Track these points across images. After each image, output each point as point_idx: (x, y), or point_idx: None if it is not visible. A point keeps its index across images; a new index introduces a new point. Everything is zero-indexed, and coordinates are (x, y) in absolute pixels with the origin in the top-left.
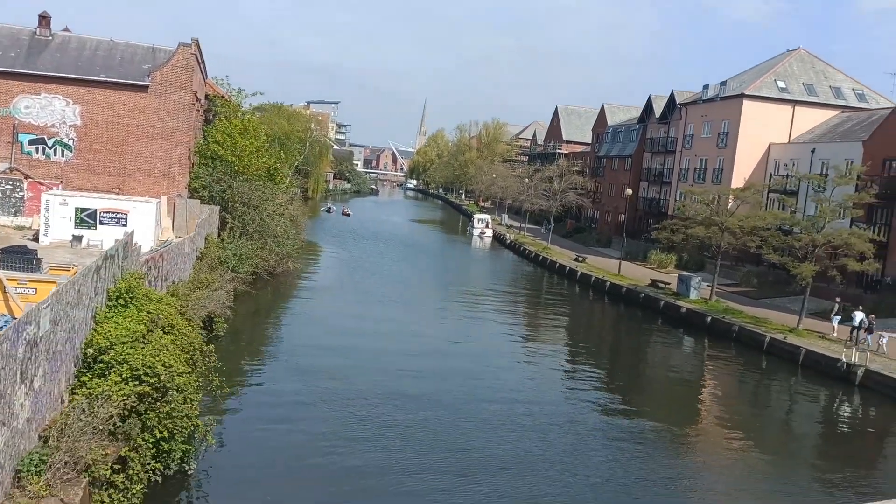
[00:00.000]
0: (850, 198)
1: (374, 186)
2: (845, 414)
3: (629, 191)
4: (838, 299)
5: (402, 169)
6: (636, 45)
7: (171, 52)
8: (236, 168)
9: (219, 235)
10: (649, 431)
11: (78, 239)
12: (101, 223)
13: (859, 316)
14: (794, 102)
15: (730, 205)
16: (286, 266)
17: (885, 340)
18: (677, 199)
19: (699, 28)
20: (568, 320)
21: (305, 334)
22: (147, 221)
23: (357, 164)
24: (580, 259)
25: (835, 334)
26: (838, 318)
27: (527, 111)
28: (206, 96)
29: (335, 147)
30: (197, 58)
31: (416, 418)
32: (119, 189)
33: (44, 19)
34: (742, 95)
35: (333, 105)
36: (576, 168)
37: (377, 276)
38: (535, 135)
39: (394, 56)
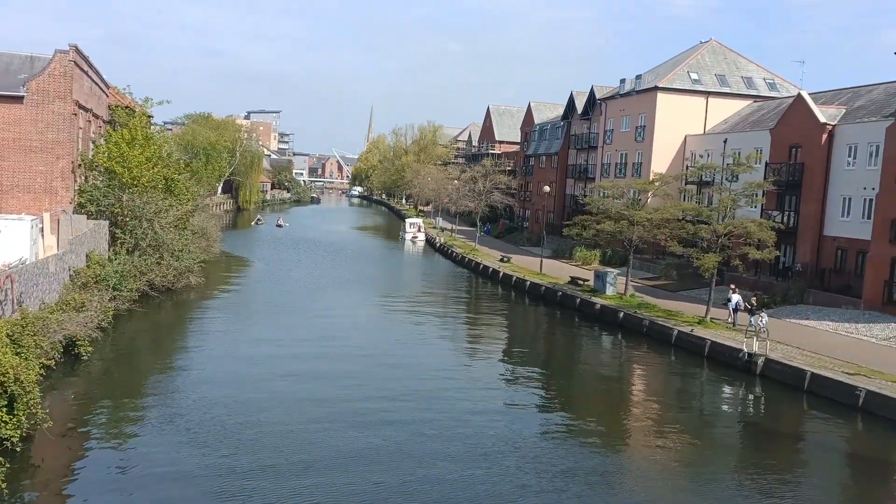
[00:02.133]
0: (749, 186)
1: (314, 195)
2: (746, 405)
3: (547, 188)
4: (732, 286)
5: (348, 176)
6: (579, 43)
7: (49, 59)
8: (125, 180)
9: (109, 251)
10: (556, 430)
11: None
12: None
13: (735, 298)
14: (707, 93)
15: (648, 198)
16: (186, 281)
17: (763, 322)
18: (586, 194)
19: (639, 23)
20: (483, 322)
21: (193, 355)
22: (20, 241)
23: (302, 173)
24: (505, 259)
25: (730, 320)
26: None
27: (471, 113)
28: (109, 107)
29: (273, 156)
30: (80, 65)
31: (334, 435)
32: None
33: None
34: (656, 88)
35: (275, 114)
36: (508, 167)
37: (290, 286)
38: (470, 136)
39: (339, 63)
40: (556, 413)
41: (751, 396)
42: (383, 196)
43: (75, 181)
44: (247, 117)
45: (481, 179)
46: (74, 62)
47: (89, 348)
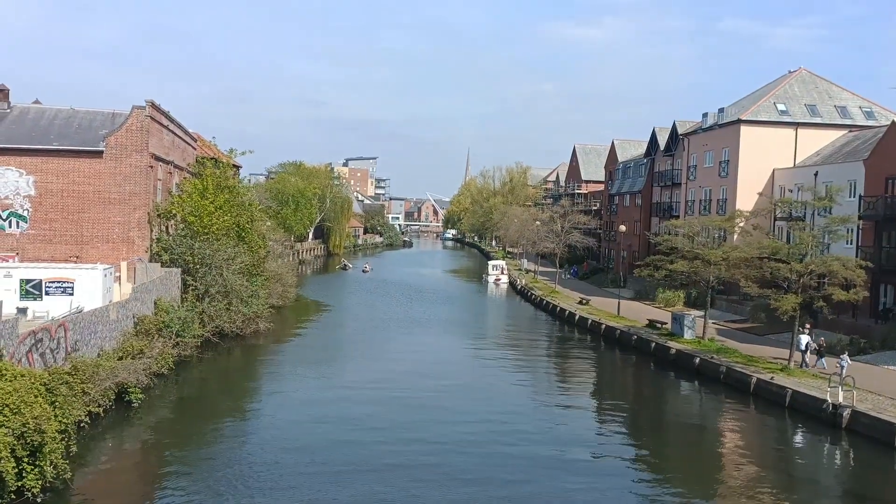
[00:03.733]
0: (833, 221)
1: (407, 238)
2: (830, 463)
3: (623, 227)
4: (808, 327)
5: (443, 220)
6: (675, 79)
7: (127, 115)
8: (196, 229)
9: (182, 299)
10: (626, 485)
11: (23, 311)
12: (46, 293)
13: (805, 339)
14: (797, 125)
15: (735, 236)
16: (255, 327)
17: (844, 364)
18: (657, 233)
19: (740, 57)
20: (553, 368)
21: (249, 402)
22: (93, 289)
23: (399, 217)
24: (584, 302)
25: (804, 365)
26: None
27: (563, 153)
28: (197, 159)
29: (366, 201)
30: (158, 120)
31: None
32: (77, 257)
33: (0, 92)
34: (739, 121)
35: (371, 160)
36: (594, 207)
37: (361, 330)
38: (557, 176)
39: (435, 108)
40: (624, 467)
41: (837, 453)
42: (475, 238)
43: (152, 231)
44: (345, 164)
45: (560, 220)
46: (151, 117)
47: (140, 395)
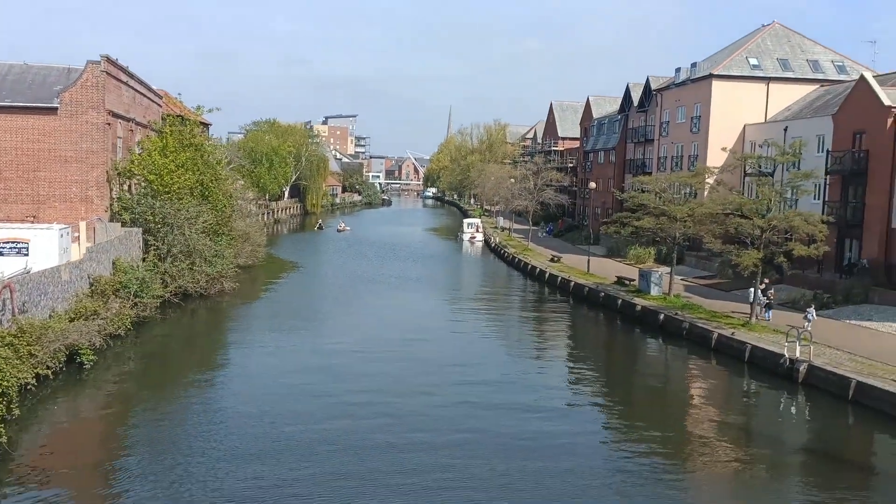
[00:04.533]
0: (796, 176)
1: (386, 197)
2: (786, 417)
3: (592, 184)
4: (766, 281)
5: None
6: (660, 38)
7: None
8: (157, 188)
9: (143, 259)
10: (584, 434)
11: None
12: (0, 254)
13: (753, 292)
14: (769, 79)
15: (705, 193)
16: (220, 286)
17: (811, 319)
18: (625, 189)
19: (724, 14)
20: (520, 325)
21: (205, 363)
22: (50, 249)
23: (379, 176)
24: (555, 259)
25: (754, 320)
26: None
27: (543, 111)
28: (163, 116)
29: (345, 159)
30: (116, 75)
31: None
32: (34, 217)
33: None
34: (711, 76)
35: (351, 119)
36: (570, 164)
37: (330, 289)
38: (535, 134)
39: (419, 66)
40: (590, 420)
41: (792, 407)
42: (454, 197)
43: (111, 190)
44: (325, 122)
45: (533, 177)
46: (107, 72)
47: (92, 357)
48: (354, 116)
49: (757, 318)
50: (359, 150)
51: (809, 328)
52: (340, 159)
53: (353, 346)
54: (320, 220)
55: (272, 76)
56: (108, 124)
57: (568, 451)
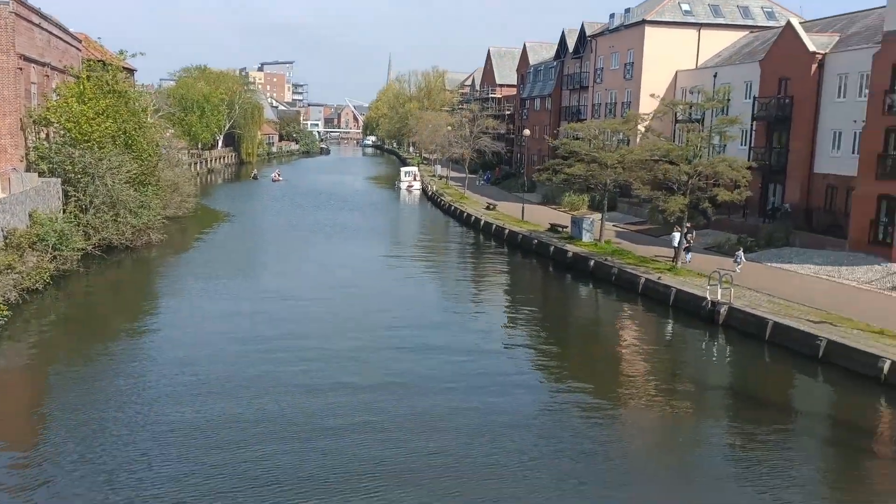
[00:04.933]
0: (721, 122)
1: (324, 146)
2: (707, 358)
3: (527, 132)
4: (689, 225)
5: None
6: None
7: None
8: (75, 136)
9: (63, 210)
10: (514, 378)
11: None
12: None
13: (677, 236)
14: (700, 25)
15: (638, 139)
16: (147, 238)
17: (741, 262)
18: (556, 137)
19: None
20: (451, 273)
21: (127, 317)
22: None
23: (318, 124)
24: (491, 207)
25: (679, 264)
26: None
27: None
28: (84, 61)
29: (281, 107)
30: (27, 17)
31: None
32: None
33: None
34: (644, 22)
35: (288, 65)
36: (508, 111)
37: (261, 240)
38: (473, 81)
39: (360, 10)
40: (512, 359)
41: (713, 348)
42: (394, 145)
43: (26, 138)
44: (260, 69)
45: (468, 124)
46: (16, 13)
47: (7, 312)
48: (291, 63)
49: (682, 262)
50: (296, 97)
51: (739, 270)
52: (277, 107)
53: (285, 295)
54: (255, 170)
55: (207, 21)
56: (20, 69)
57: (496, 391)
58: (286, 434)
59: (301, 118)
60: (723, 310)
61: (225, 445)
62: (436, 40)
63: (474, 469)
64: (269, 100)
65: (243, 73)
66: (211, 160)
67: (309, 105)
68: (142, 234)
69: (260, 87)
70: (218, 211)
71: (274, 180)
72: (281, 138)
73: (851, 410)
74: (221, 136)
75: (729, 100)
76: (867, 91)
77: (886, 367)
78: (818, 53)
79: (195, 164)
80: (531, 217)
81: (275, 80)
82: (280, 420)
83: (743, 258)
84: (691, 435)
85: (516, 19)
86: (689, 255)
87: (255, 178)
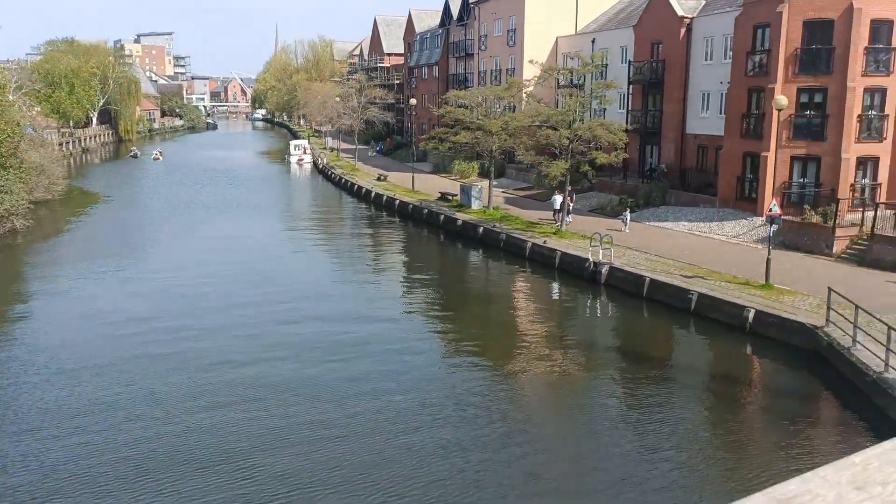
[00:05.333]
0: (597, 86)
1: (211, 121)
2: (591, 316)
3: (413, 101)
4: (569, 188)
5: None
6: None
7: None
8: None
9: None
10: (408, 345)
11: None
12: None
13: (558, 199)
14: None
15: (523, 106)
16: (11, 225)
17: (627, 221)
18: (439, 105)
19: None
20: (341, 245)
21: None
22: None
23: (203, 98)
24: (382, 178)
25: (563, 227)
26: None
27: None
28: None
29: (162, 81)
30: None
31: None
32: None
33: None
34: None
35: (167, 36)
36: (397, 80)
37: (138, 221)
38: (361, 50)
39: None
40: (396, 331)
41: (597, 306)
42: (285, 118)
43: None
44: (137, 41)
45: (356, 95)
46: None
47: None
48: (171, 34)
49: (565, 225)
50: (178, 70)
51: (627, 230)
52: (157, 81)
53: (164, 275)
54: (134, 148)
55: None
56: None
57: (381, 360)
58: (163, 415)
59: (184, 92)
60: (604, 269)
61: (94, 429)
62: (325, 7)
63: (356, 439)
64: (147, 73)
65: (118, 46)
66: (85, 139)
67: (193, 78)
68: (4, 222)
69: (138, 60)
70: (92, 192)
71: (155, 158)
72: (164, 114)
73: (720, 358)
74: (96, 114)
75: (606, 64)
76: (731, 53)
77: (751, 316)
78: (686, 17)
79: (67, 143)
80: (422, 186)
81: (154, 52)
82: (155, 401)
83: (629, 218)
84: (572, 393)
85: None
86: (570, 218)
87: (134, 156)
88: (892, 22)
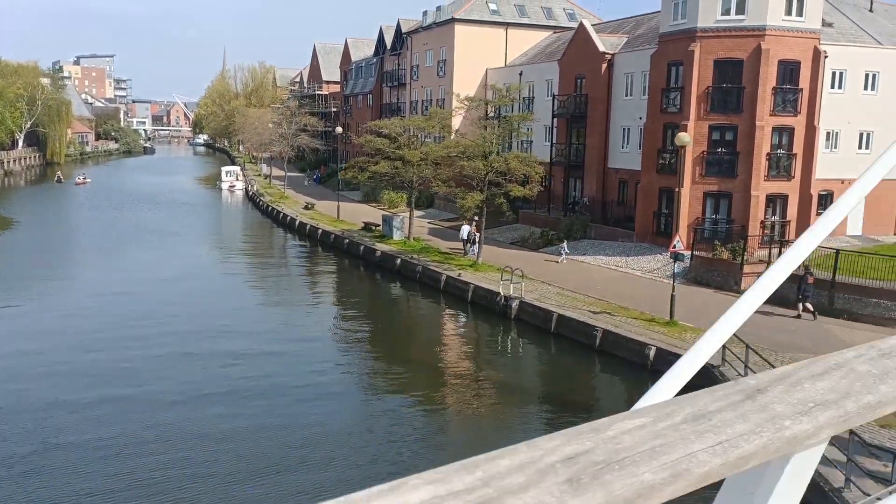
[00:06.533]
0: (514, 118)
1: (147, 145)
2: (501, 352)
3: (339, 129)
4: (475, 220)
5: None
6: None
7: None
8: None
9: None
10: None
11: None
12: None
13: (465, 229)
14: (507, 25)
15: (451, 136)
16: None
17: (563, 253)
18: (359, 134)
19: None
20: (264, 277)
21: None
22: None
23: (145, 122)
24: (309, 207)
25: (478, 259)
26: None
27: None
28: None
29: (98, 104)
30: None
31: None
32: None
33: None
34: (453, 20)
35: (108, 59)
36: (334, 108)
37: (59, 250)
38: (301, 77)
39: (192, 1)
40: (300, 365)
41: (507, 343)
42: (226, 144)
43: None
44: (77, 62)
45: (285, 122)
46: None
47: None
48: (112, 56)
49: (474, 255)
50: (119, 93)
51: (564, 260)
52: (92, 103)
53: (60, 308)
54: (59, 172)
55: (5, 8)
56: None
57: (279, 392)
58: (41, 456)
59: (123, 115)
60: (514, 304)
61: None
62: (269, 35)
63: (239, 476)
64: (83, 96)
65: (56, 67)
66: (8, 162)
67: (134, 102)
68: None
69: (77, 81)
70: (6, 217)
71: (77, 184)
72: (98, 137)
73: (618, 399)
74: (22, 136)
75: (533, 97)
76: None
77: (652, 354)
78: (608, 53)
79: None
80: (350, 216)
81: (94, 74)
82: (35, 442)
83: (566, 249)
84: (463, 432)
85: (354, 13)
86: (474, 248)
87: (58, 180)
88: (798, 63)
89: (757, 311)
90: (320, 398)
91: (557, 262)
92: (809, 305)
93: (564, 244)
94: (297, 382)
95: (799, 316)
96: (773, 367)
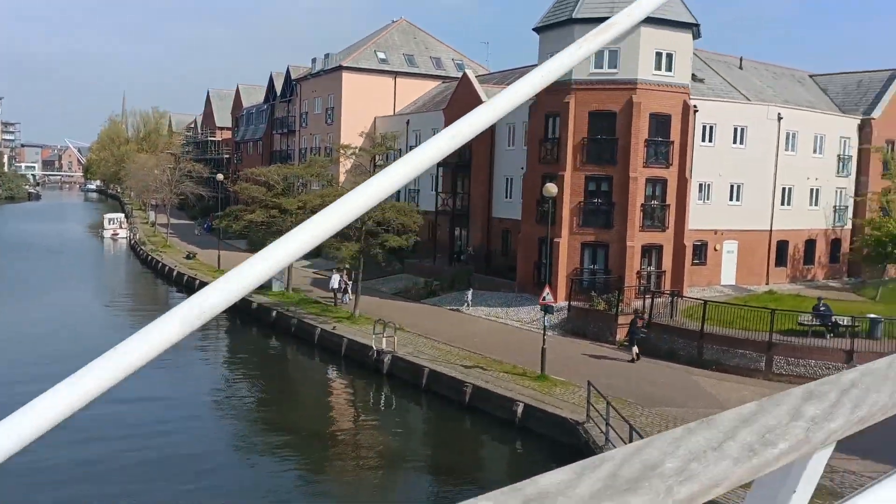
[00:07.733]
0: (382, 166)
1: (33, 191)
2: (376, 408)
3: (220, 176)
4: (345, 268)
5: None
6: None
7: None
8: None
9: None
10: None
11: None
12: None
13: (336, 278)
14: (395, 74)
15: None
16: None
17: (468, 300)
18: (237, 182)
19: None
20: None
21: None
22: None
23: (34, 167)
24: (190, 256)
25: (354, 309)
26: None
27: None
28: None
29: None
30: None
31: None
32: None
33: None
34: (341, 68)
35: None
36: (226, 155)
37: None
38: (196, 123)
39: (89, 47)
40: (155, 422)
41: (380, 400)
42: (118, 190)
43: None
44: None
45: (169, 169)
46: None
47: None
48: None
49: (346, 305)
50: (7, 137)
51: (469, 310)
52: None
53: None
54: None
55: None
56: None
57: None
58: None
59: (9, 160)
60: (387, 359)
61: None
62: (170, 80)
63: None
64: None
65: None
66: None
67: (23, 146)
68: None
69: None
70: None
71: None
72: None
73: (484, 459)
74: None
75: (393, 146)
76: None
77: (520, 410)
78: None
79: None
80: (232, 266)
81: None
82: None
83: (470, 297)
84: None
85: (251, 61)
86: (347, 297)
87: None
88: (669, 117)
89: (592, 356)
90: (183, 473)
91: (460, 310)
92: (635, 348)
93: (469, 292)
94: (149, 456)
95: (632, 360)
96: (632, 425)
